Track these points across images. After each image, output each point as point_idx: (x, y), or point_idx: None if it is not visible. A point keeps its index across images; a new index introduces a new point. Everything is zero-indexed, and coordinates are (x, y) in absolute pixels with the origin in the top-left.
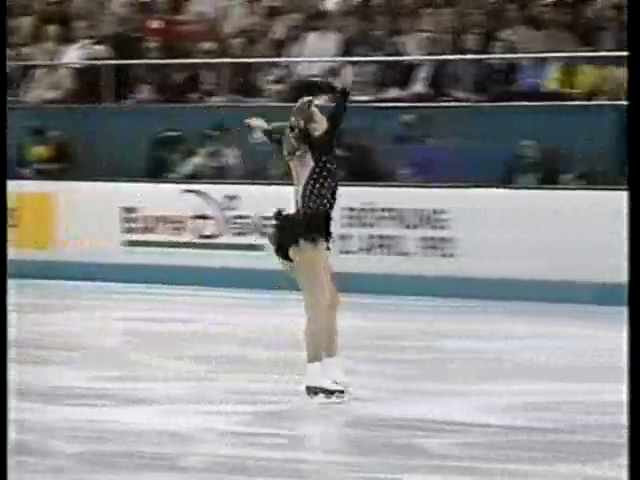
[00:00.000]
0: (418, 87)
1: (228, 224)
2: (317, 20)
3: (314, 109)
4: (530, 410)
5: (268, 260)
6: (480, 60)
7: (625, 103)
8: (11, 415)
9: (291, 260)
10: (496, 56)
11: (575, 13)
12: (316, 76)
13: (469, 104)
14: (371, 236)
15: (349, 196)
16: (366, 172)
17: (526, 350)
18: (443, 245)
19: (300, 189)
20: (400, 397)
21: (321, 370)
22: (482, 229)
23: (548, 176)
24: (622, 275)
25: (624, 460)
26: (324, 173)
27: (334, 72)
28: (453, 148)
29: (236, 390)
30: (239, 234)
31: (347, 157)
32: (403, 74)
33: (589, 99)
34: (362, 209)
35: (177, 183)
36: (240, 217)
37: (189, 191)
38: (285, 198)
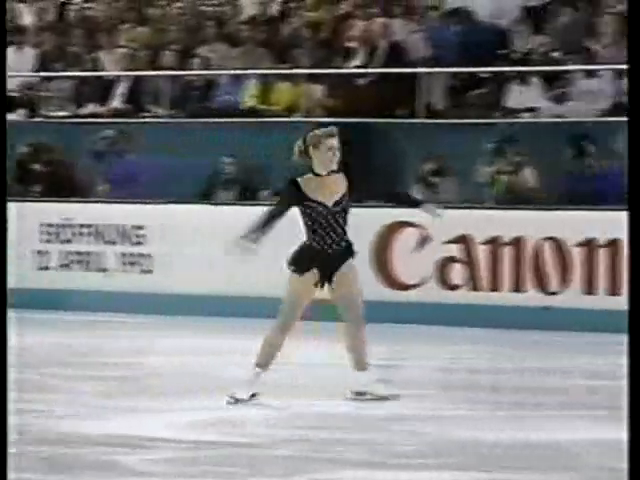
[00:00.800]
0: (116, 103)
1: None
2: (14, 35)
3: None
4: (232, 425)
5: None
6: (178, 76)
7: (321, 119)
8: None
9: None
10: (193, 72)
11: (271, 30)
12: (14, 91)
13: (168, 120)
14: (70, 252)
15: (47, 212)
16: (65, 188)
17: (229, 365)
18: (142, 261)
19: None
20: (100, 414)
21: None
22: (180, 245)
23: (247, 192)
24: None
25: (321, 475)
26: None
27: (31, 87)
28: (153, 164)
29: None
30: None
31: (45, 172)
32: (101, 90)
33: (286, 116)
34: (61, 225)
35: None
36: None
37: None
38: None
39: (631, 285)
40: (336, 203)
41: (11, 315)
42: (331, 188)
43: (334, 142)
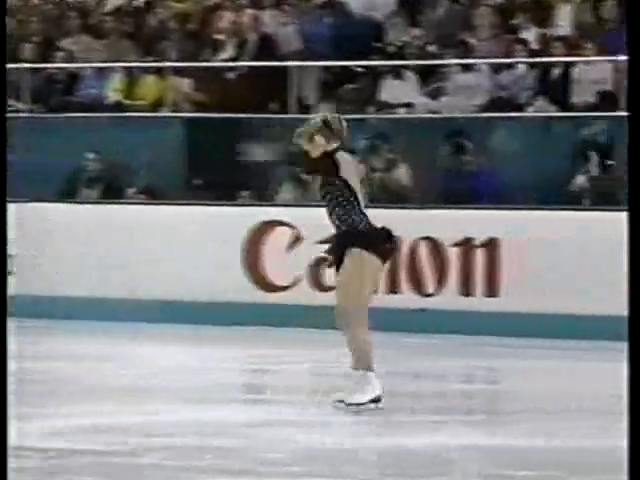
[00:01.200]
0: None
1: None
2: None
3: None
4: (93, 433)
5: None
6: (39, 69)
7: (189, 115)
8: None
9: None
10: (56, 65)
11: (137, 22)
12: None
13: (29, 115)
14: None
15: None
16: None
17: (96, 372)
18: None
19: None
20: None
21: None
22: (42, 245)
23: (112, 190)
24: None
25: None
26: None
27: None
28: (12, 160)
29: None
30: None
31: None
32: None
33: (153, 110)
34: None
35: None
36: None
37: None
38: None
39: (631, 285)
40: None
41: None
42: None
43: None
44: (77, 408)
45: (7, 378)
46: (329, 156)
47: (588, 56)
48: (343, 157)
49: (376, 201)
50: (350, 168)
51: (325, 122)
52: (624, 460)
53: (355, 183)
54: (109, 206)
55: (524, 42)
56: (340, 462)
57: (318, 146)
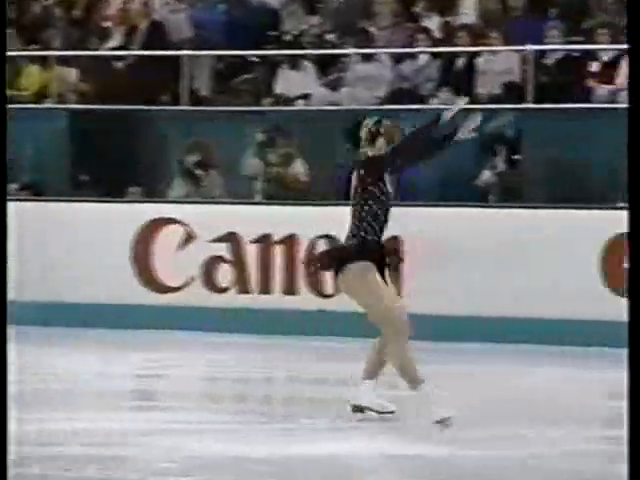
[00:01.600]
0: None
1: None
2: None
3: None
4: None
5: None
6: None
7: (75, 106)
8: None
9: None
10: None
11: (20, 9)
12: None
13: None
14: None
15: None
16: None
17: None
18: None
19: None
20: None
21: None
22: None
23: None
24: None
25: None
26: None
27: None
28: None
29: None
30: None
31: None
32: None
33: (36, 102)
34: None
35: None
36: None
37: None
38: None
39: (631, 286)
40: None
41: None
42: None
43: None
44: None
45: (6, 381)
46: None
47: (493, 46)
48: None
49: (273, 198)
50: None
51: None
52: (548, 468)
53: None
54: None
55: (427, 31)
56: (233, 471)
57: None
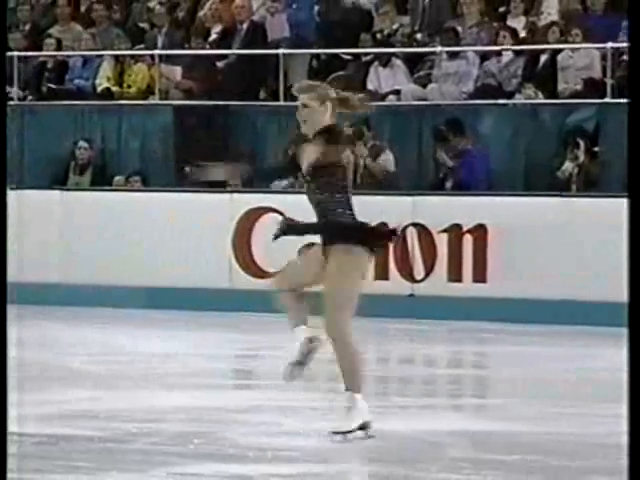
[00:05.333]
0: None
1: None
2: None
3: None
4: (81, 418)
5: None
6: (29, 57)
7: (179, 102)
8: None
9: None
10: (47, 53)
11: (126, 11)
12: None
13: (19, 103)
14: None
15: None
16: None
17: (77, 357)
18: None
19: None
20: None
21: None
22: (28, 231)
23: (101, 177)
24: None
25: (179, 469)
26: None
27: None
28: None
29: None
30: None
31: None
32: None
33: (143, 98)
34: None
35: None
36: None
37: None
38: None
39: (631, 285)
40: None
41: None
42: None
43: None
44: (64, 394)
45: (7, 368)
46: None
47: (575, 43)
48: None
49: (362, 187)
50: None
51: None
52: (614, 445)
53: None
54: (98, 193)
55: (511, 29)
56: (332, 448)
57: None
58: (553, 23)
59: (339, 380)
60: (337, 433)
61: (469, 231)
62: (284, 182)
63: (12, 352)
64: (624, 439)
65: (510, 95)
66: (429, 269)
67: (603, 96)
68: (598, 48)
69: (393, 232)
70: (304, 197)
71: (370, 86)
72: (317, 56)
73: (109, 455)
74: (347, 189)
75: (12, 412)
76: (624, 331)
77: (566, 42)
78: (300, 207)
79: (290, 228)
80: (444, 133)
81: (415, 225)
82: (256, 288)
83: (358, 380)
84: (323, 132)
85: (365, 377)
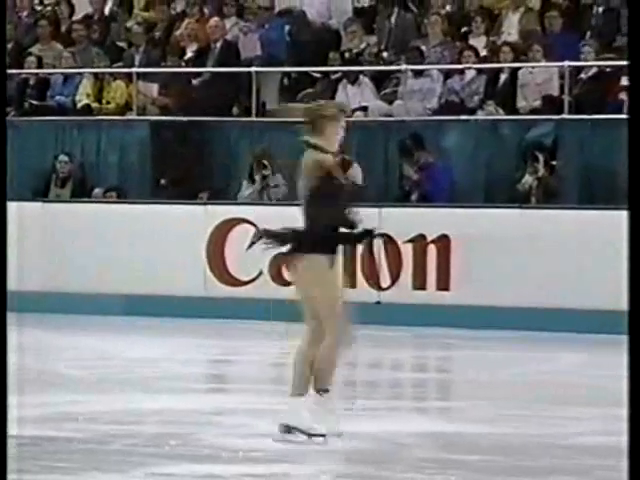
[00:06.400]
0: None
1: None
2: None
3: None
4: (61, 421)
5: None
6: (12, 75)
7: (156, 118)
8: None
9: None
10: (29, 71)
11: (105, 30)
12: None
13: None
14: None
15: None
16: None
17: (58, 362)
18: None
19: None
20: None
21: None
22: (13, 241)
23: (80, 190)
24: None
25: (157, 469)
26: None
27: None
28: None
29: None
30: None
31: None
32: None
33: (121, 114)
34: None
35: None
36: None
37: None
38: None
39: (631, 285)
40: None
41: None
42: None
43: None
44: (46, 398)
45: (6, 375)
46: None
47: (534, 62)
48: None
49: None
50: None
51: None
52: (571, 445)
53: None
54: (78, 205)
55: (473, 48)
56: (301, 449)
57: None
58: (513, 42)
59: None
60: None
61: (433, 241)
62: (247, 192)
63: None
64: (580, 440)
65: (472, 111)
66: (395, 277)
67: (560, 112)
68: (556, 66)
69: (368, 233)
70: (275, 208)
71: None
72: (288, 74)
73: (89, 456)
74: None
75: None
76: (579, 336)
77: (526, 61)
78: (271, 217)
79: (264, 235)
80: (408, 147)
81: (382, 235)
82: (229, 295)
83: (330, 379)
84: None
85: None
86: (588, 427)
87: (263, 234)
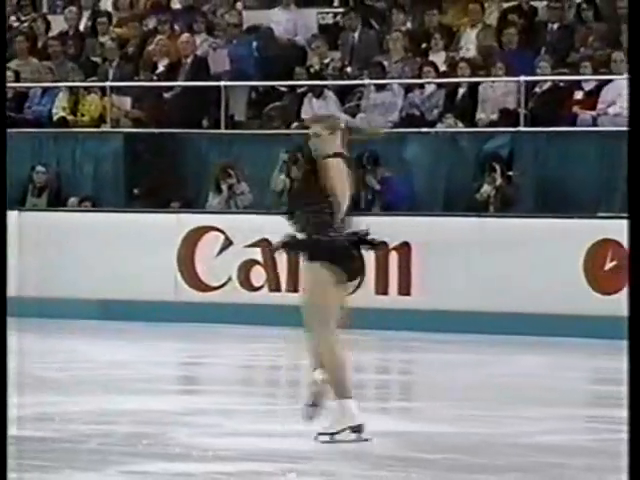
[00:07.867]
0: None
1: None
2: None
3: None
4: (39, 421)
5: None
6: None
7: (128, 130)
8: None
9: None
10: (7, 85)
11: (80, 46)
12: None
13: None
14: None
15: None
16: None
17: (35, 364)
18: None
19: None
20: None
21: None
22: None
23: (56, 199)
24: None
25: (129, 467)
26: None
27: None
28: None
29: None
30: None
31: None
32: None
33: (95, 126)
34: None
35: None
36: None
37: None
38: None
39: (631, 286)
40: None
41: None
42: None
43: None
44: (23, 399)
45: (6, 374)
46: None
47: (491, 77)
48: None
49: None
50: None
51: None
52: (527, 444)
53: None
54: (53, 213)
55: (433, 64)
56: (268, 448)
57: None
58: (471, 58)
59: (277, 386)
60: (324, 434)
61: (394, 248)
62: (215, 201)
63: None
64: (536, 439)
65: (432, 124)
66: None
67: (517, 125)
68: (512, 81)
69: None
70: (242, 216)
71: (304, 115)
72: (256, 88)
73: (66, 455)
74: None
75: None
76: (535, 339)
77: (484, 75)
78: (238, 225)
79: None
80: (363, 163)
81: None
82: (200, 300)
83: (347, 386)
84: (332, 157)
85: (304, 383)
86: (545, 427)
87: (281, 246)
